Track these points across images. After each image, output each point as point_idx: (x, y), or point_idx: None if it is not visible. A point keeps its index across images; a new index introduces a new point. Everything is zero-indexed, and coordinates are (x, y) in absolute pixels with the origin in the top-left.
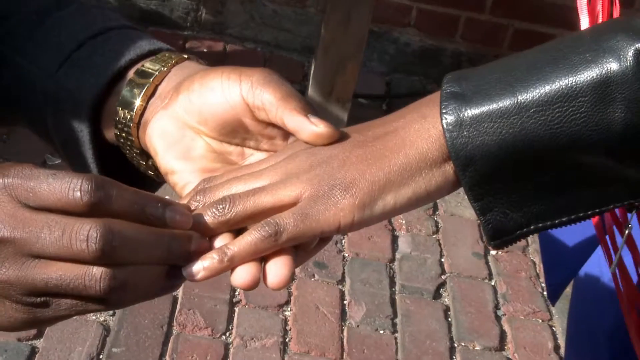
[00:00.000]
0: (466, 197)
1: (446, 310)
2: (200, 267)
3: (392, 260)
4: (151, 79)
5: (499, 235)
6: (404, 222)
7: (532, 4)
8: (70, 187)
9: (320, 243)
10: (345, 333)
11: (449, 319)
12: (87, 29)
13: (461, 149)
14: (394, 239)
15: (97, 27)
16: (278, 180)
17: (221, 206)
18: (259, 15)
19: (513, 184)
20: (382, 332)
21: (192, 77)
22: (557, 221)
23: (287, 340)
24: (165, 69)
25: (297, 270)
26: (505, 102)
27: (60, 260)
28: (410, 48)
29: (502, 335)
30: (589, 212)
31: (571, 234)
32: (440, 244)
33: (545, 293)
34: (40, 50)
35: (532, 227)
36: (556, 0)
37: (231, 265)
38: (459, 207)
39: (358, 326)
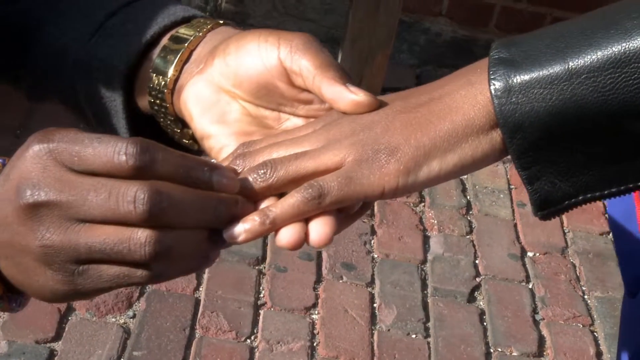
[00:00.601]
0: (501, 196)
1: (481, 314)
2: (242, 229)
3: (424, 261)
4: (186, 44)
5: (546, 205)
6: (435, 222)
7: None
8: (116, 151)
9: (361, 209)
10: (375, 337)
11: (485, 323)
12: None
13: (509, 115)
14: (425, 240)
15: None
16: (320, 146)
17: (262, 171)
18: (282, 5)
19: (562, 153)
20: (414, 336)
21: (228, 41)
22: (606, 192)
23: (314, 344)
24: (200, 34)
25: (325, 271)
26: (556, 68)
27: (106, 224)
28: (441, 39)
29: (541, 341)
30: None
31: None
32: (474, 245)
33: (586, 297)
34: (71, 21)
35: (580, 197)
36: None
37: (273, 228)
38: (494, 206)
39: (389, 330)
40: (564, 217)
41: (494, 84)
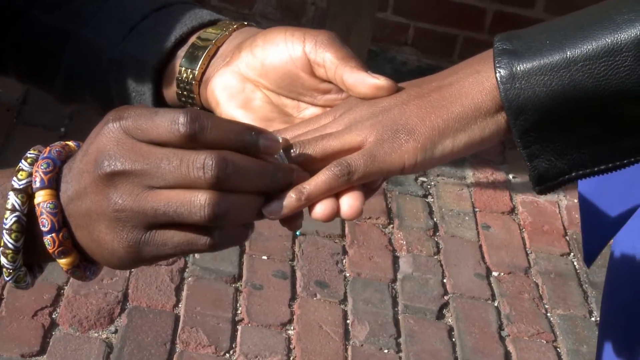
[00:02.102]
0: (466, 218)
1: (450, 330)
2: (280, 205)
3: (394, 280)
4: (213, 41)
5: (543, 180)
6: (404, 242)
7: (532, 23)
8: (170, 121)
9: (380, 183)
10: (349, 352)
11: (453, 339)
12: (151, 3)
13: (513, 99)
14: (395, 259)
15: (161, 1)
16: (343, 128)
17: (292, 150)
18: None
19: (559, 133)
20: (386, 351)
21: (254, 36)
22: (596, 169)
23: (291, 358)
24: (227, 32)
25: (299, 289)
26: (555, 57)
27: (173, 189)
28: (407, 67)
29: (507, 356)
30: (625, 161)
31: (610, 198)
32: (441, 265)
33: (549, 315)
34: (105, 24)
35: (573, 174)
36: None
37: (307, 203)
38: (460, 228)
39: (362, 345)
40: (526, 238)
41: (499, 72)
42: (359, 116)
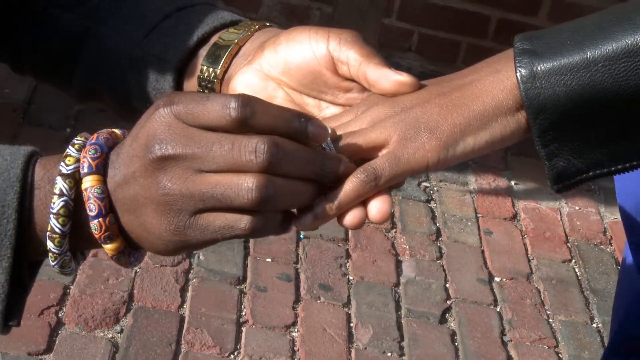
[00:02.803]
0: (468, 224)
1: (452, 334)
2: (312, 216)
3: (397, 284)
4: (236, 41)
5: (561, 179)
6: (407, 247)
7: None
8: (222, 106)
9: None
10: (353, 355)
11: (456, 344)
12: (172, 3)
13: (534, 98)
14: (398, 264)
15: (183, 1)
16: (366, 127)
17: (319, 145)
18: None
19: (578, 132)
20: (389, 354)
21: (277, 35)
22: (613, 168)
23: None
24: (249, 33)
25: (303, 291)
26: (575, 58)
27: (222, 172)
28: (410, 73)
29: None
30: None
31: None
32: (444, 270)
33: (550, 320)
34: (125, 22)
35: (590, 173)
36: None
37: (338, 212)
38: (462, 233)
39: (365, 348)
40: (528, 244)
41: (520, 71)
42: (382, 114)
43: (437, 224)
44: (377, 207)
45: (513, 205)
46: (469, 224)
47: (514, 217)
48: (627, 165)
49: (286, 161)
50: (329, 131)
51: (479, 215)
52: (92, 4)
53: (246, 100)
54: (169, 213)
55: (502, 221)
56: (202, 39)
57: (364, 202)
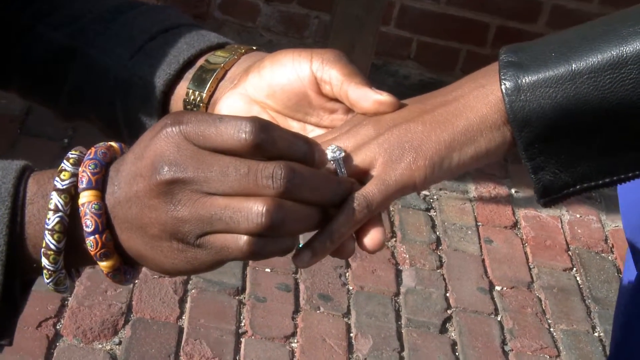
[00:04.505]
0: (469, 232)
1: (453, 344)
2: (310, 253)
3: (397, 294)
4: (222, 65)
5: (547, 193)
6: (407, 256)
7: (535, 37)
8: (237, 129)
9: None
10: None
11: (457, 353)
12: (159, 24)
13: (519, 111)
14: (398, 273)
15: (169, 23)
16: (351, 149)
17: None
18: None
19: (564, 145)
20: None
21: (262, 59)
22: (600, 182)
23: None
24: (235, 56)
25: (302, 302)
26: (560, 70)
27: (231, 196)
28: (409, 81)
29: None
30: (630, 174)
31: None
32: (444, 279)
33: (552, 329)
34: (112, 43)
35: (577, 186)
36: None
37: (337, 244)
38: (462, 242)
39: (365, 359)
40: (529, 253)
41: (504, 84)
42: (366, 135)
43: (437, 233)
44: (371, 237)
45: (513, 214)
46: (469, 232)
47: (515, 225)
48: (615, 178)
49: (303, 186)
50: (342, 154)
51: (479, 223)
52: (80, 25)
53: (264, 125)
54: (176, 235)
55: (502, 229)
56: (188, 61)
57: (356, 232)
